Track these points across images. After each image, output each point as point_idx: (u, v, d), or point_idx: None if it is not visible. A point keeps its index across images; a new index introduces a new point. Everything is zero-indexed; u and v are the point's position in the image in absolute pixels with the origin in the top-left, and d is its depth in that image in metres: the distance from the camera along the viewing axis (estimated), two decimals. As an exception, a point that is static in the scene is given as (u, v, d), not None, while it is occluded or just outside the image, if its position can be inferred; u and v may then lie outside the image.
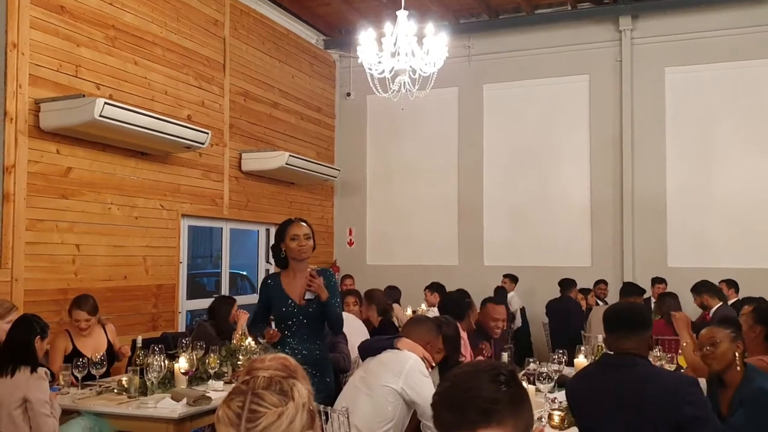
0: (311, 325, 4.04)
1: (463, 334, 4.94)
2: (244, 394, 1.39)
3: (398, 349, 3.55)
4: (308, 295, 4.03)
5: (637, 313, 3.03)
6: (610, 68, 9.51)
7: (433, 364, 3.71)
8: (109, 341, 5.05)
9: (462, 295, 5.41)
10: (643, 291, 7.47)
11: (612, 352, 2.97)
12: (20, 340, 3.78)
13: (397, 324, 7.31)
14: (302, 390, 1.43)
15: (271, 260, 9.04)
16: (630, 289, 7.32)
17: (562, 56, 9.63)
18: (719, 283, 7.22)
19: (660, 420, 2.64)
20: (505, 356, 4.25)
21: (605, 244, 9.40)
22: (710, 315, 6.69)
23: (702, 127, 9.09)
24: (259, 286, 4.24)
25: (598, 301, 8.40)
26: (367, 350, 3.74)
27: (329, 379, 4.09)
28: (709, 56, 8.99)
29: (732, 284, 7.68)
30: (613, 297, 8.35)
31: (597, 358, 3.14)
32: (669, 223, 9.17)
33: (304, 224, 4.16)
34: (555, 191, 9.68)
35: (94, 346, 4.89)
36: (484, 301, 5.56)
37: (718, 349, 3.22)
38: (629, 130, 9.33)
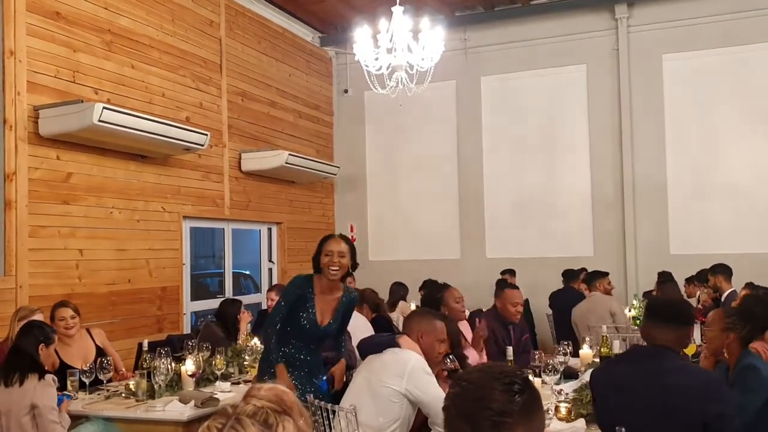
0: (323, 340, 4.16)
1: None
2: (227, 417, 1.34)
3: (399, 346, 3.54)
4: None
5: (684, 310, 3.01)
6: (607, 57, 9.49)
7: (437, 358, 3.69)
8: (98, 346, 4.96)
9: (433, 288, 5.31)
10: (607, 273, 7.52)
11: (644, 343, 2.98)
12: (25, 349, 3.80)
13: (396, 319, 7.34)
14: (289, 428, 1.36)
15: (274, 259, 9.03)
16: (594, 275, 7.40)
17: (559, 46, 9.62)
18: (713, 276, 7.18)
19: (685, 415, 2.63)
20: (509, 351, 4.25)
21: (608, 233, 9.41)
22: (722, 299, 6.72)
23: (701, 113, 9.08)
24: (287, 284, 4.12)
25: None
26: (367, 348, 3.72)
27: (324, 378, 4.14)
28: (706, 42, 8.98)
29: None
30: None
31: (627, 349, 3.14)
32: (671, 210, 9.17)
33: (343, 242, 4.01)
34: (556, 182, 9.69)
35: (82, 355, 4.79)
36: (501, 287, 5.55)
37: (708, 333, 3.36)
38: (628, 118, 9.32)
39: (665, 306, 3.01)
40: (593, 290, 7.25)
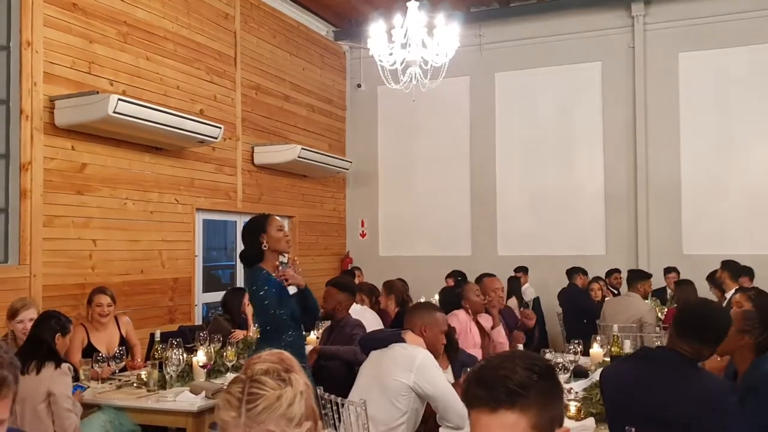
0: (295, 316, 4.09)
1: (468, 320, 5.06)
2: (243, 382, 1.44)
3: (404, 341, 3.55)
4: (291, 290, 4.00)
5: (716, 326, 2.81)
6: (622, 55, 9.44)
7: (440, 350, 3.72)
8: (122, 335, 5.11)
9: (452, 288, 5.46)
10: (649, 276, 7.43)
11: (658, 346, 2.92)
12: (42, 338, 3.83)
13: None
14: (299, 380, 1.48)
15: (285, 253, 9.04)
16: (636, 275, 7.28)
17: (574, 43, 9.58)
18: (720, 272, 7.08)
19: (690, 422, 2.60)
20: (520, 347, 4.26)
21: (620, 232, 9.37)
22: (726, 298, 6.63)
23: (717, 112, 9.02)
24: (259, 281, 3.94)
25: (613, 291, 8.37)
26: (371, 343, 3.73)
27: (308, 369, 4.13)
28: (723, 41, 8.91)
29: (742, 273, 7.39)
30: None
31: (636, 350, 3.10)
32: (684, 209, 9.12)
33: (277, 217, 4.16)
34: (569, 179, 9.65)
35: (107, 340, 4.99)
36: (479, 278, 5.64)
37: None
38: (643, 116, 9.27)
39: (699, 320, 2.82)
40: (632, 291, 7.07)
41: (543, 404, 1.47)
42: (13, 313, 4.49)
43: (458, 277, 8.09)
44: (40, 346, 3.79)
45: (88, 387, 4.22)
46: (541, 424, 1.46)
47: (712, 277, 7.55)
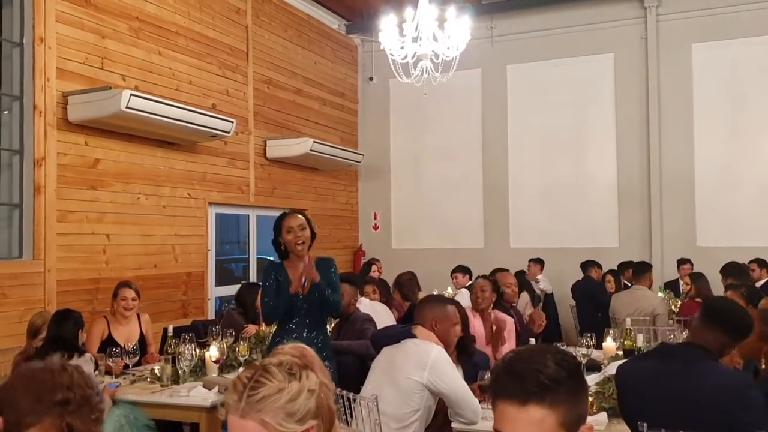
0: (313, 313, 4.12)
1: (470, 315, 5.00)
2: (255, 369, 1.49)
3: (415, 336, 3.53)
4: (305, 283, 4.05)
5: (738, 323, 2.85)
6: (635, 46, 9.37)
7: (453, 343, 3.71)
8: (142, 332, 5.15)
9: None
10: (650, 266, 7.39)
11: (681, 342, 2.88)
12: (66, 336, 3.86)
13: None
14: (312, 378, 1.49)
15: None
16: (642, 267, 7.22)
17: (586, 35, 9.51)
18: (749, 263, 7.08)
19: (715, 419, 2.57)
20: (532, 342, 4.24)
21: (633, 224, 9.32)
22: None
23: (730, 103, 8.93)
24: (263, 273, 4.17)
25: (627, 283, 8.32)
26: (382, 340, 3.70)
27: (332, 368, 4.12)
28: (737, 31, 8.81)
29: (763, 264, 7.53)
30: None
31: (656, 346, 3.06)
32: (698, 201, 9.05)
33: (299, 216, 4.15)
34: (582, 171, 9.60)
35: (127, 335, 5.02)
36: (492, 273, 5.69)
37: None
38: (656, 108, 9.20)
39: (720, 309, 2.90)
40: (640, 283, 6.98)
41: (571, 402, 1.46)
42: (35, 332, 4.43)
43: (463, 272, 8.10)
44: (65, 343, 3.82)
45: (102, 381, 4.25)
46: (569, 422, 1.46)
47: (725, 270, 7.51)
